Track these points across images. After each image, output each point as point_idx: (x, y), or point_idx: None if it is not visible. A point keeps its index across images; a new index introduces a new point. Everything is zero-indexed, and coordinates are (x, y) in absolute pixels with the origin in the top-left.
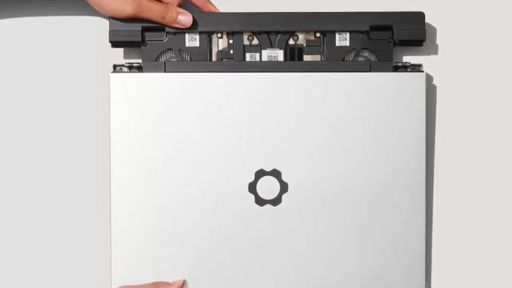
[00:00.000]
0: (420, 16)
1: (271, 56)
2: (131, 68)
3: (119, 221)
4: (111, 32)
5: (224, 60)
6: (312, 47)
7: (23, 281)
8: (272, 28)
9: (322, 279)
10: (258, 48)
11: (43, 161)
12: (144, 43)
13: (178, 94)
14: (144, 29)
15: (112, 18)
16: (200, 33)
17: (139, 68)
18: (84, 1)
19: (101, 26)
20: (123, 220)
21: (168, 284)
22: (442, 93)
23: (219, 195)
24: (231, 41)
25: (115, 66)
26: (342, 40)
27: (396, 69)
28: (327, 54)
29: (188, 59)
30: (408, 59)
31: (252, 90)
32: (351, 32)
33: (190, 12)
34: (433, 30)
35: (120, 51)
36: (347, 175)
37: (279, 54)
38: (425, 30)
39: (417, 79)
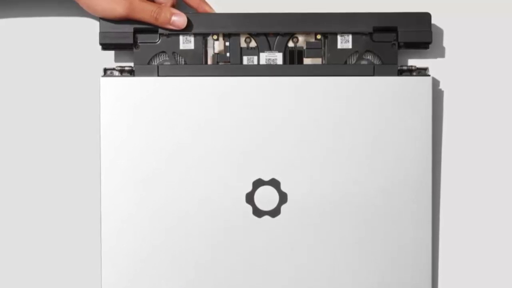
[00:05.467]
0: (426, 17)
1: (269, 59)
2: (122, 71)
3: (110, 233)
4: (102, 34)
5: (220, 63)
6: (312, 49)
7: None
8: (270, 30)
9: None
10: (256, 51)
11: (30, 168)
12: (136, 45)
13: (171, 99)
14: (136, 31)
15: (102, 19)
16: (195, 35)
17: (131, 72)
18: (72, 1)
19: (91, 28)
20: (113, 232)
21: None
22: (449, 98)
23: (214, 206)
24: (227, 44)
25: (105, 70)
26: (344, 42)
27: (401, 73)
28: (329, 57)
29: (183, 62)
30: (413, 62)
31: (250, 95)
32: (353, 34)
33: (185, 13)
34: (440, 31)
35: (111, 54)
36: (350, 184)
37: (278, 57)
38: (432, 31)
39: (423, 83)
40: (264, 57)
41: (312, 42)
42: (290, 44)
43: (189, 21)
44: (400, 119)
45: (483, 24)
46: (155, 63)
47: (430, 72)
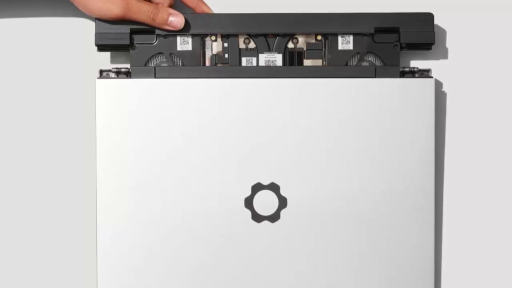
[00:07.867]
0: (428, 17)
1: (268, 60)
2: (118, 73)
3: (106, 237)
4: (97, 35)
5: (218, 65)
6: (312, 51)
7: None
8: (270, 31)
9: None
10: (255, 52)
11: (24, 171)
12: (132, 46)
13: (169, 102)
14: (133, 32)
15: (98, 19)
16: (193, 35)
17: (127, 74)
18: (68, 1)
19: (86, 28)
20: (109, 236)
21: None
22: (452, 100)
23: (213, 211)
24: (225, 45)
25: (101, 72)
26: (345, 43)
27: (403, 74)
28: (329, 59)
29: (180, 63)
30: (416, 63)
31: (249, 97)
32: (354, 34)
33: (182, 13)
34: (443, 32)
35: (107, 55)
36: (351, 189)
37: (277, 59)
38: (434, 32)
39: (425, 85)
40: (263, 59)
41: (312, 43)
42: (290, 45)
43: (186, 21)
44: (402, 122)
45: (487, 25)
46: (152, 65)
47: (433, 73)
